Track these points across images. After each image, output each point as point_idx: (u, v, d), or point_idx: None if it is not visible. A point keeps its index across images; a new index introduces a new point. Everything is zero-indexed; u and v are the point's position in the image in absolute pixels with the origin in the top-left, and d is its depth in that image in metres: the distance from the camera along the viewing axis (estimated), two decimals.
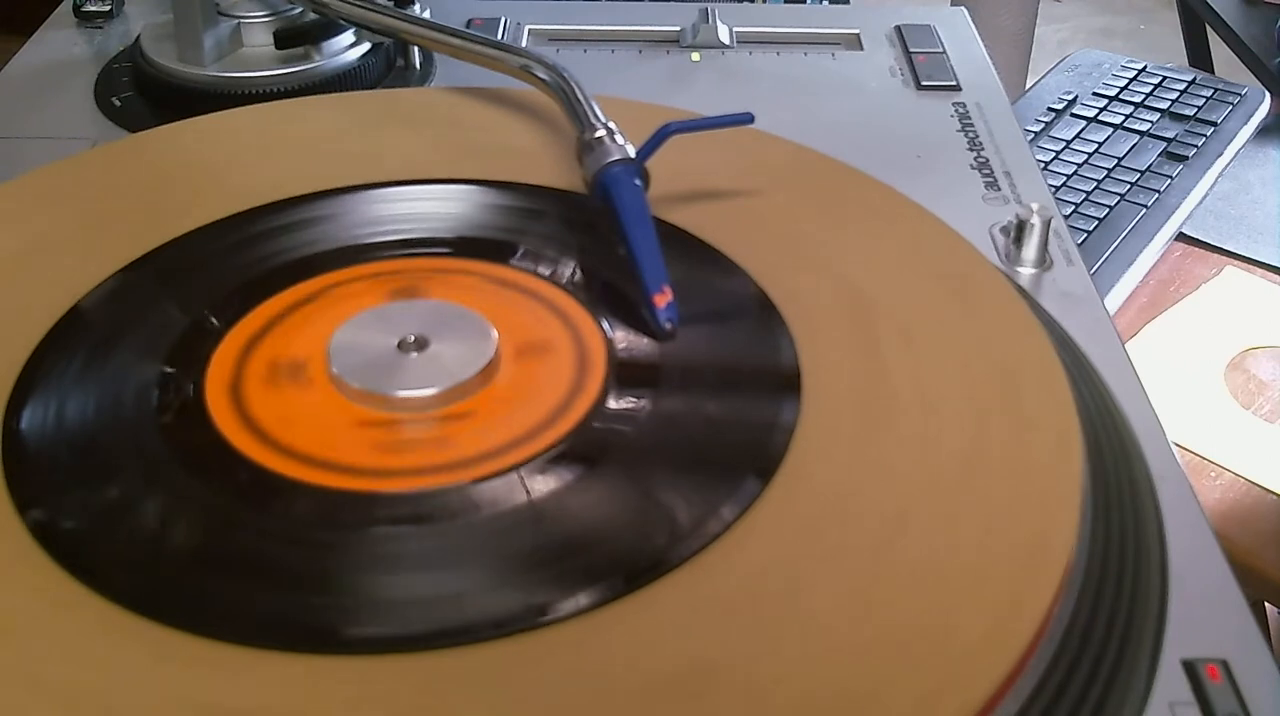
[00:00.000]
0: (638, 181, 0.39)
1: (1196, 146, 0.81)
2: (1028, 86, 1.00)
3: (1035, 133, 0.82)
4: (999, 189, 0.47)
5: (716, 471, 0.31)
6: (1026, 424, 0.32)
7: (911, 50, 0.58)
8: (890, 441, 0.31)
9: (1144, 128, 0.83)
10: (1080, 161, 0.79)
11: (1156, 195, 0.76)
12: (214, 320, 0.36)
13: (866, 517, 0.29)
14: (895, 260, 0.38)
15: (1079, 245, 0.44)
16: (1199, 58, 1.25)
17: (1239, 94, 0.86)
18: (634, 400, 0.33)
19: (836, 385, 0.33)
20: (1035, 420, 0.32)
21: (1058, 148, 0.81)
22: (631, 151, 0.40)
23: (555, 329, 0.35)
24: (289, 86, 0.51)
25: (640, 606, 0.27)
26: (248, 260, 0.38)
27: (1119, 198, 0.76)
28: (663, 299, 0.35)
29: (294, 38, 0.51)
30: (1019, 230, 0.42)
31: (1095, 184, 0.77)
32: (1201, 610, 0.30)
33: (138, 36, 0.54)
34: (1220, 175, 0.80)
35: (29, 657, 0.26)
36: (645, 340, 0.35)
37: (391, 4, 0.52)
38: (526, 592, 0.27)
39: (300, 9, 0.53)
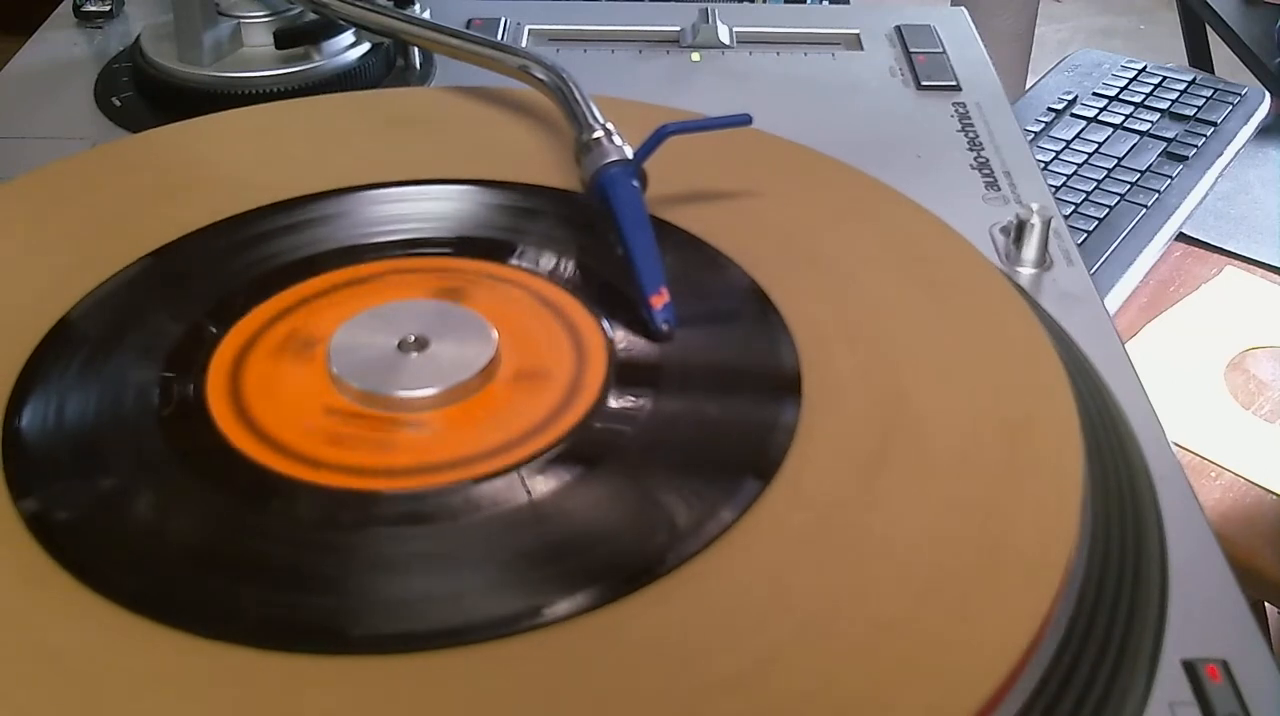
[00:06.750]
0: (635, 182, 0.39)
1: (1196, 146, 0.80)
2: (1028, 86, 1.00)
3: (1035, 133, 0.82)
4: (999, 189, 0.47)
5: (716, 473, 0.31)
6: (1026, 424, 0.32)
7: (911, 50, 0.58)
8: (889, 441, 0.31)
9: (1144, 128, 0.83)
10: (1080, 161, 0.79)
11: (1156, 195, 0.76)
12: (214, 320, 0.36)
13: (865, 518, 0.29)
14: (894, 260, 0.38)
15: (1079, 245, 0.44)
16: (1199, 58, 1.25)
17: (1239, 94, 0.86)
18: (633, 401, 0.33)
19: (836, 385, 0.33)
20: (1035, 420, 0.32)
21: (1058, 148, 0.81)
22: (629, 152, 0.40)
23: (555, 328, 0.35)
24: (289, 87, 0.51)
25: (639, 608, 0.27)
26: (247, 261, 0.38)
27: (1119, 198, 0.76)
28: (659, 300, 0.35)
29: (294, 38, 0.51)
30: (1019, 230, 0.42)
31: (1095, 184, 0.77)
32: (1201, 610, 0.30)
33: (138, 36, 0.54)
34: (1220, 175, 0.80)
35: (24, 659, 0.26)
36: (644, 341, 0.35)
37: (391, 4, 0.52)
38: (527, 593, 0.27)
39: (300, 9, 0.53)
